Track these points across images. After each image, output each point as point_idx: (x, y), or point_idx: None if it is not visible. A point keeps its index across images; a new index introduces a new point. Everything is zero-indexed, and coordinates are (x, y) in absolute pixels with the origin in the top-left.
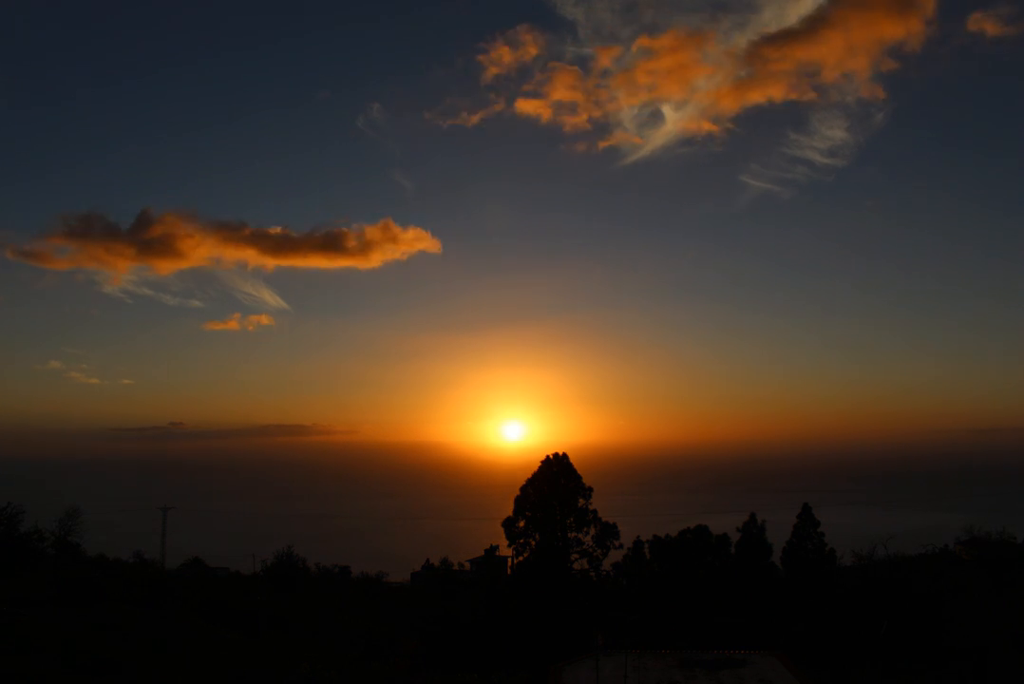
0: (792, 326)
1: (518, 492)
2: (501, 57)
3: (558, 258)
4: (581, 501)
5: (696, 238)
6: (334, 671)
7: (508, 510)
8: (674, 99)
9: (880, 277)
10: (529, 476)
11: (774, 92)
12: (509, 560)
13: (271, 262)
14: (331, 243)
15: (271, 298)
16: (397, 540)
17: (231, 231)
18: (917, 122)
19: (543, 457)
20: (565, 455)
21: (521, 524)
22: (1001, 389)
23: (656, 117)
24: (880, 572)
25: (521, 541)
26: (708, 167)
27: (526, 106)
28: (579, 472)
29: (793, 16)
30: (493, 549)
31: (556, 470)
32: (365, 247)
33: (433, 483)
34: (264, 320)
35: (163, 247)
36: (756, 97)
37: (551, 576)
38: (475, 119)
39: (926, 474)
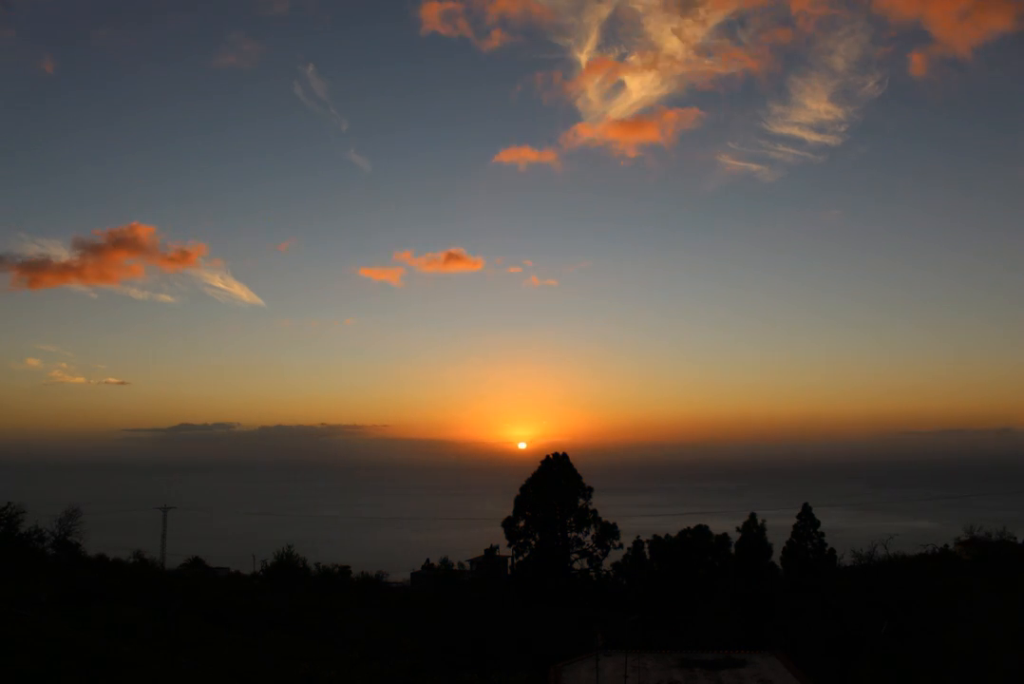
0: (768, 322)
1: (518, 492)
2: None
3: (520, 252)
4: (581, 501)
5: (665, 225)
6: (334, 671)
7: (509, 510)
8: (639, 67)
9: (869, 271)
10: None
11: (754, 58)
12: (509, 560)
13: (239, 257)
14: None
15: (245, 294)
16: (398, 540)
17: (194, 227)
18: (920, 92)
19: (544, 457)
20: (565, 455)
21: (521, 524)
22: (931, 389)
23: (618, 88)
24: (880, 572)
25: (521, 541)
26: (678, 145)
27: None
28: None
29: None
30: (493, 549)
31: (556, 470)
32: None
33: (441, 482)
34: (242, 318)
35: (122, 244)
36: (733, 63)
37: (551, 576)
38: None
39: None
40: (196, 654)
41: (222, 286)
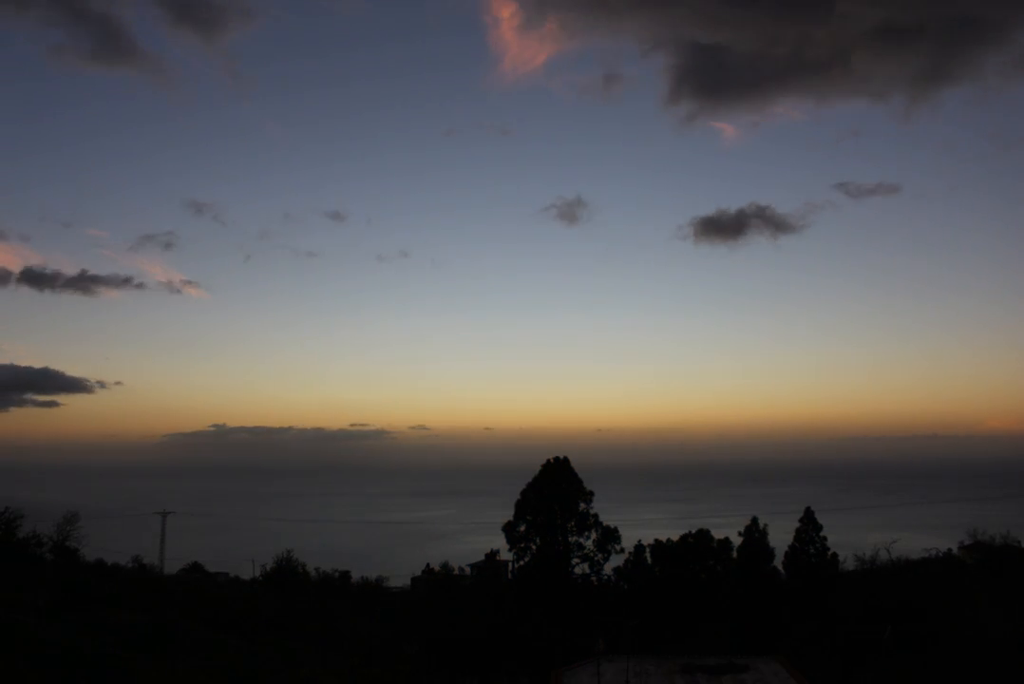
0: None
1: (519, 496)
2: None
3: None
4: (582, 505)
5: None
6: (334, 676)
7: (509, 514)
8: None
9: (848, 264)
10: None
11: None
12: (510, 565)
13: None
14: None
15: (192, 289)
16: (397, 544)
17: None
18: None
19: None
20: (566, 459)
21: (522, 528)
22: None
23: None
24: (882, 576)
25: (522, 545)
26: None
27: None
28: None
29: None
30: (494, 553)
31: (557, 474)
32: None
33: (446, 484)
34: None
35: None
36: None
37: (552, 581)
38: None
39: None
40: (195, 659)
41: (165, 281)
